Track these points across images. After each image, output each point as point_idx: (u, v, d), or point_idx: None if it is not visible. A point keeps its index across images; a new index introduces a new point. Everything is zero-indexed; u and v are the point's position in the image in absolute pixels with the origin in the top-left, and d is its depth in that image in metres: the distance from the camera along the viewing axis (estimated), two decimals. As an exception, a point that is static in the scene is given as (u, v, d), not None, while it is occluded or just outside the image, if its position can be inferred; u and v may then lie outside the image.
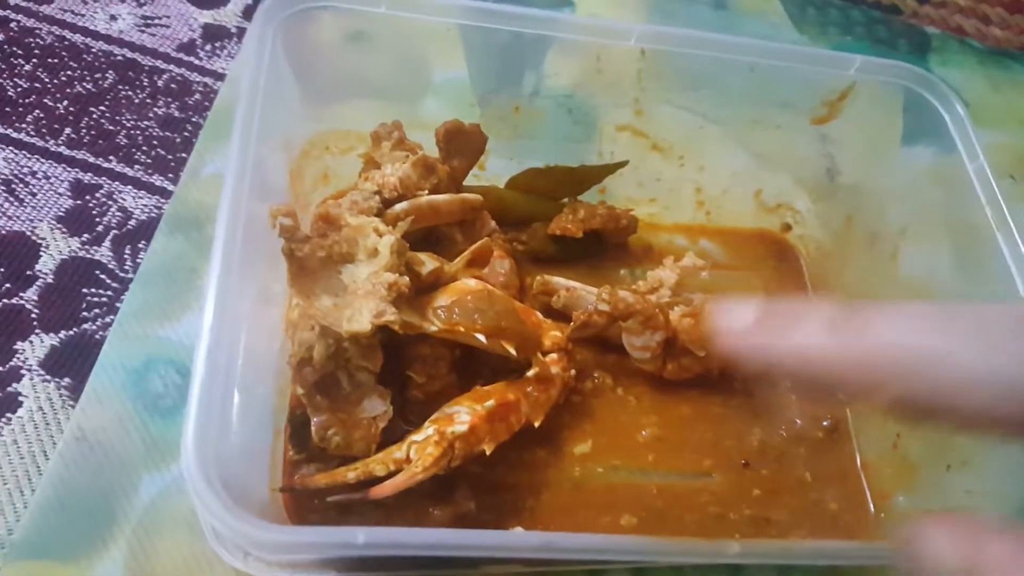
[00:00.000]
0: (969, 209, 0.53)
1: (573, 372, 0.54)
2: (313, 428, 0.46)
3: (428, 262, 0.51)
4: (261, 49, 0.46)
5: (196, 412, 0.35)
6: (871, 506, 0.54)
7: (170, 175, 0.62)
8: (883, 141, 0.62)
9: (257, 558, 0.46)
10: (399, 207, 0.51)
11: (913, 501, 0.52)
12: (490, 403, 0.48)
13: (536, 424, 0.50)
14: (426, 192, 0.53)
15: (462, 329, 0.49)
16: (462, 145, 0.55)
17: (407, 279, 0.46)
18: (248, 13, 0.74)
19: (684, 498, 0.52)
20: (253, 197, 0.45)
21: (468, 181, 0.60)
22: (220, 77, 0.68)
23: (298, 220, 0.45)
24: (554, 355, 0.53)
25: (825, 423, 0.57)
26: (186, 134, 0.65)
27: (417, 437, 0.46)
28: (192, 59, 0.69)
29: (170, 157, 0.63)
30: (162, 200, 0.61)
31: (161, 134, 0.64)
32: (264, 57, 0.46)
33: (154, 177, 0.62)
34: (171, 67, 0.68)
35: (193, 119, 0.66)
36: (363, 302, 0.44)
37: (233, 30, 0.71)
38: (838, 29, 0.91)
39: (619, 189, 0.64)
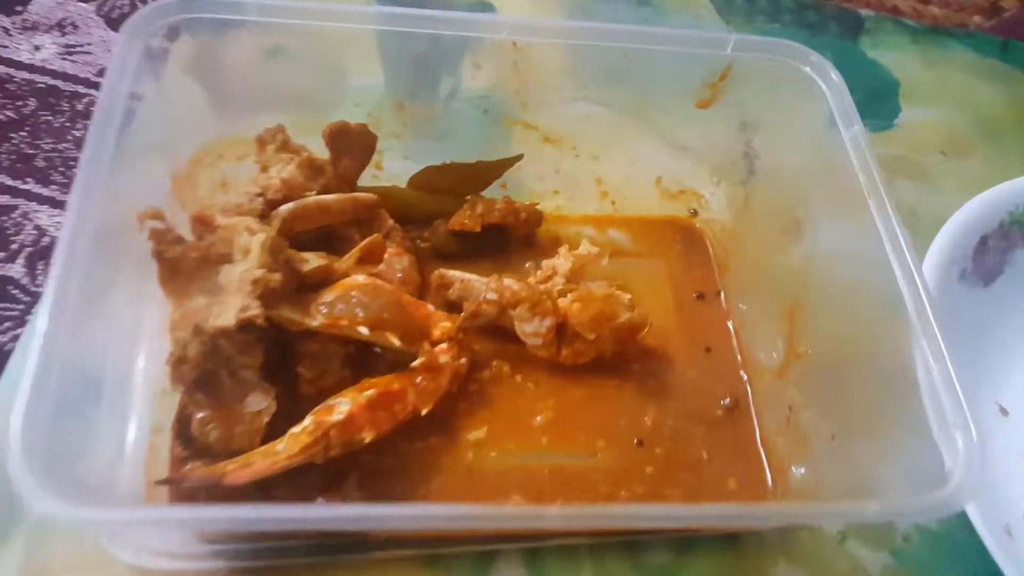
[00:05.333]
0: (848, 178, 0.54)
1: (464, 360, 0.55)
2: (193, 424, 0.47)
3: (313, 260, 0.53)
4: (126, 58, 0.48)
5: (27, 402, 0.37)
6: (769, 481, 0.54)
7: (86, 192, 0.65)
8: (775, 118, 0.63)
9: (149, 552, 0.48)
10: (284, 208, 0.53)
11: (807, 472, 0.53)
12: (371, 392, 0.49)
13: (423, 412, 0.51)
14: (314, 193, 0.55)
15: (344, 323, 0.50)
16: (350, 145, 0.57)
17: (277, 275, 0.47)
18: (171, 35, 0.77)
19: (575, 479, 0.53)
20: (124, 204, 0.47)
21: (369, 182, 0.62)
22: (140, 98, 0.70)
23: (168, 223, 0.47)
24: (444, 345, 0.54)
25: (725, 401, 0.58)
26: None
27: (296, 429, 0.47)
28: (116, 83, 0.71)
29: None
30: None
31: (78, 155, 0.67)
32: (128, 67, 0.48)
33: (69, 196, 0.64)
34: (91, 91, 0.70)
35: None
36: (232, 299, 0.46)
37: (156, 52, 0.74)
38: (766, 17, 0.92)
39: (522, 184, 0.65)
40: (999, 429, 0.60)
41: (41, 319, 0.41)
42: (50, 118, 0.70)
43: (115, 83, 0.47)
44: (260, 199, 0.52)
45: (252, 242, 0.48)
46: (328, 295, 0.51)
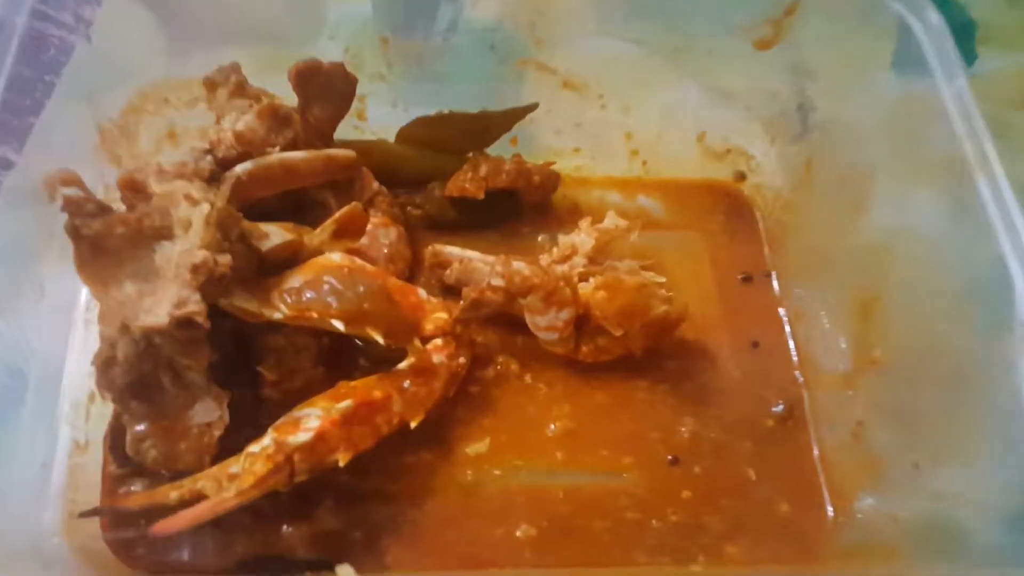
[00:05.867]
0: (947, 145, 0.43)
1: (463, 359, 0.45)
2: (127, 440, 0.38)
3: (276, 234, 0.43)
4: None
5: None
6: (829, 508, 0.45)
7: (14, 143, 0.54)
8: (865, 66, 0.51)
9: None
10: (240, 168, 0.43)
11: (878, 503, 0.43)
12: (346, 403, 0.40)
13: (413, 424, 0.42)
14: (278, 148, 0.44)
15: (315, 315, 0.41)
16: (323, 89, 0.46)
17: (226, 258, 0.37)
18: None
19: (596, 502, 0.44)
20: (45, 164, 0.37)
21: (350, 134, 0.51)
22: (75, 28, 0.59)
23: (87, 189, 0.37)
24: (438, 341, 0.44)
25: (776, 408, 0.48)
26: (37, 95, 0.57)
27: (254, 448, 0.38)
28: (48, 10, 0.60)
29: (15, 123, 0.55)
30: (2, 173, 0.53)
31: (5, 96, 0.56)
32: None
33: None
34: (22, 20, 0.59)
35: (45, 77, 0.57)
36: (168, 287, 0.36)
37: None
38: None
39: (536, 139, 0.54)
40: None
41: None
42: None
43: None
44: (209, 157, 0.42)
45: (194, 214, 0.38)
46: (295, 279, 0.42)
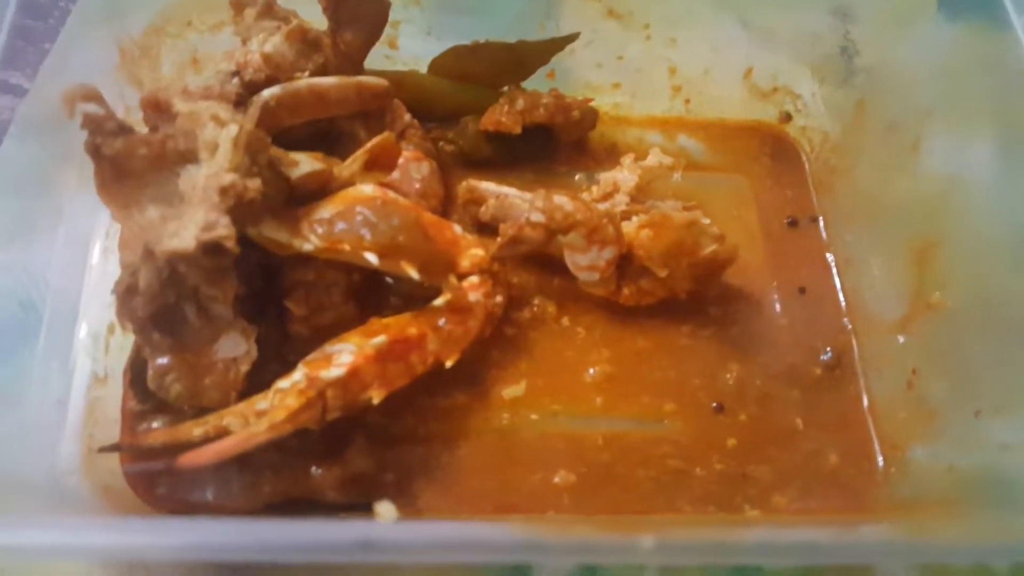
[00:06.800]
0: (1004, 86, 0.40)
1: (501, 299, 0.43)
2: (150, 372, 0.36)
3: (305, 163, 0.40)
4: None
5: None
6: (879, 459, 0.43)
7: (28, 70, 0.52)
8: (911, 6, 0.49)
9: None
10: (267, 93, 0.40)
11: (933, 454, 0.41)
12: (380, 339, 0.38)
13: (448, 364, 0.40)
14: (307, 74, 0.42)
15: (347, 247, 0.39)
16: (355, 12, 0.43)
17: (256, 182, 0.35)
18: None
19: (637, 450, 0.42)
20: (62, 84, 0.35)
21: (380, 64, 0.49)
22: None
23: (108, 106, 0.35)
24: (475, 278, 0.42)
25: (824, 356, 0.46)
26: (51, 21, 0.54)
27: (284, 383, 0.36)
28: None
29: (30, 49, 0.53)
30: (15, 100, 0.50)
31: (20, 22, 0.53)
32: None
33: (8, 73, 0.51)
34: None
35: (60, 3, 0.55)
36: (194, 212, 0.34)
37: None
38: None
39: (574, 73, 0.51)
40: None
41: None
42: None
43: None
44: (236, 80, 0.40)
45: (221, 136, 0.35)
46: (325, 210, 0.39)
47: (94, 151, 0.34)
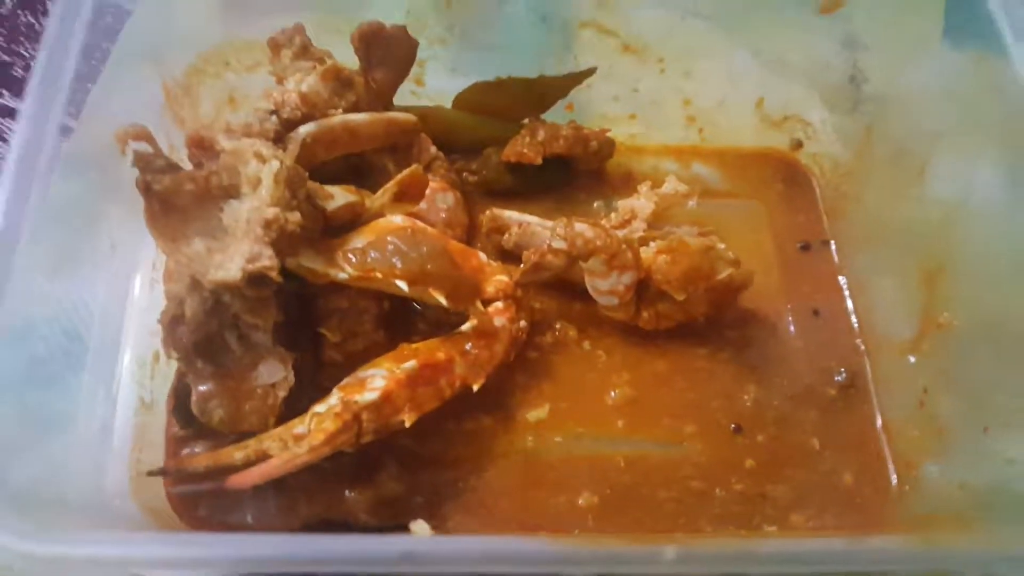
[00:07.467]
0: (1009, 111, 0.42)
1: (524, 323, 0.45)
2: (193, 400, 0.38)
3: (339, 195, 0.42)
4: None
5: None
6: (893, 477, 0.45)
7: (72, 109, 0.54)
8: (917, 36, 0.50)
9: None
10: (304, 130, 0.42)
11: (945, 471, 0.43)
12: (411, 364, 0.40)
13: (475, 387, 0.42)
14: (340, 111, 0.44)
15: (379, 275, 0.40)
16: (385, 52, 0.46)
17: (296, 215, 0.37)
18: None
19: (659, 471, 0.44)
20: (111, 123, 0.37)
21: (408, 100, 0.51)
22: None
23: (157, 145, 0.37)
24: (499, 304, 0.44)
25: (839, 377, 0.47)
26: (93, 63, 0.57)
27: (320, 408, 0.38)
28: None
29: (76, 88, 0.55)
30: (61, 139, 0.53)
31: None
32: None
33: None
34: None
35: (103, 45, 0.57)
36: (238, 244, 0.36)
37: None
38: None
39: (591, 105, 0.54)
40: None
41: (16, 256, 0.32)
42: (30, 19, 0.59)
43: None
44: (274, 118, 0.42)
45: (264, 172, 0.37)
46: (358, 240, 0.41)
47: (145, 188, 0.36)
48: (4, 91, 0.55)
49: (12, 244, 0.35)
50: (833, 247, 0.52)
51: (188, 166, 0.41)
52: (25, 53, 0.57)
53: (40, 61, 0.37)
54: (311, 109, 0.43)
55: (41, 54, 0.38)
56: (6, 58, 0.57)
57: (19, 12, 0.59)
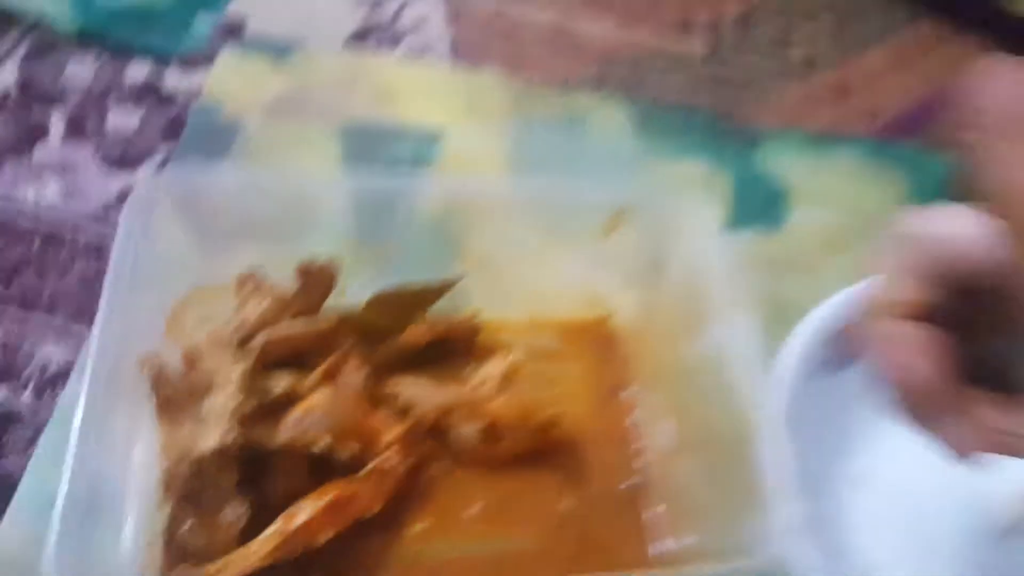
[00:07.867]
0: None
1: (412, 460, 0.65)
2: (180, 532, 0.57)
3: (282, 381, 0.63)
4: (142, 223, 0.59)
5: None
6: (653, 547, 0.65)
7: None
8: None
9: None
10: (259, 339, 0.64)
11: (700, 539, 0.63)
12: (328, 497, 0.59)
13: (375, 510, 0.61)
14: (284, 322, 0.66)
15: (311, 437, 0.61)
16: (314, 280, 0.68)
17: (252, 401, 0.58)
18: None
19: (515, 563, 0.62)
20: (127, 341, 0.58)
21: (333, 303, 0.73)
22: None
23: (164, 366, 0.58)
24: (394, 450, 0.65)
25: (629, 482, 0.68)
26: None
27: (267, 531, 0.57)
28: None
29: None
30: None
31: (79, 290, 0.77)
32: (137, 231, 0.59)
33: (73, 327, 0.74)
34: (91, 226, 0.81)
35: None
36: (214, 426, 0.56)
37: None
38: (676, 134, 1.01)
39: (465, 296, 0.76)
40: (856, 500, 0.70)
41: (74, 444, 0.50)
42: (54, 256, 0.81)
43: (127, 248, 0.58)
44: (238, 332, 0.63)
45: (232, 373, 0.58)
46: (295, 412, 0.62)
47: (156, 392, 0.56)
48: (37, 311, 0.75)
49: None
50: (633, 389, 0.75)
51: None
52: (50, 281, 0.78)
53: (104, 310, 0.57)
54: (262, 324, 0.65)
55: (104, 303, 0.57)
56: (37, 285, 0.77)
57: (45, 248, 0.80)
